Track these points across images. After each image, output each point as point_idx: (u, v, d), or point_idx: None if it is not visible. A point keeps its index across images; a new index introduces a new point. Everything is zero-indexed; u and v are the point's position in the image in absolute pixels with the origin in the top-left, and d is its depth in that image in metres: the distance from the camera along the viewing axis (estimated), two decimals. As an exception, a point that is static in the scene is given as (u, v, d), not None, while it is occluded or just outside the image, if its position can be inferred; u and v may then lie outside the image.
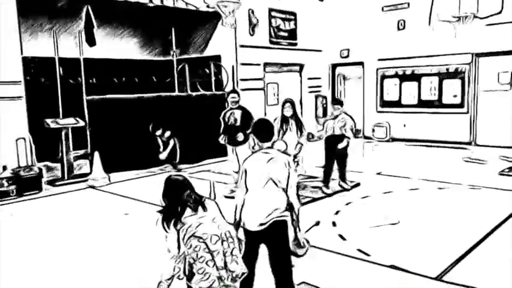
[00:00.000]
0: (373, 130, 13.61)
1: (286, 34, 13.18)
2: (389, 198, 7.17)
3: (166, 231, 2.88)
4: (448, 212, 6.33)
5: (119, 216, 6.63)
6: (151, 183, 8.73)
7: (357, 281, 4.26)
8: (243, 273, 2.78)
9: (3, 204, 7.39)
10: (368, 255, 4.79)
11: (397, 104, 13.29)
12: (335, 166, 7.63)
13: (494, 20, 11.22)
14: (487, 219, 5.80)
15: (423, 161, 10.34)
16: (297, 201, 3.42)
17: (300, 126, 6.93)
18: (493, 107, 11.60)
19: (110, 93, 9.78)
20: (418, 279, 4.20)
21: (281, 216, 3.30)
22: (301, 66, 13.98)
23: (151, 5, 10.06)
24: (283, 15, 13.04)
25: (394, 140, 13.24)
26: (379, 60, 13.46)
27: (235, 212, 3.44)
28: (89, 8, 9.00)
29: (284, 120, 6.89)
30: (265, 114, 12.12)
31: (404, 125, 13.11)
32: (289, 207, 3.39)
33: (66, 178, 8.80)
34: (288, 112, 6.87)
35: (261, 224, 3.25)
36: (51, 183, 8.64)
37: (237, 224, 3.35)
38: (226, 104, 7.83)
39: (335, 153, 7.51)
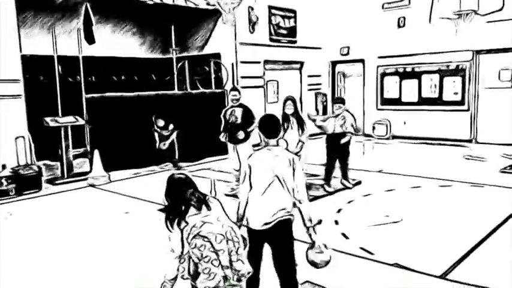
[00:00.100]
0: (374, 128, 13.58)
1: (286, 32, 13.13)
2: (392, 196, 7.14)
3: (170, 231, 2.83)
4: (450, 210, 6.31)
5: (119, 215, 6.59)
6: (151, 181, 8.71)
7: (361, 279, 4.23)
8: (248, 273, 2.74)
9: (3, 203, 7.34)
10: (371, 253, 4.76)
11: (398, 101, 13.26)
12: (337, 164, 7.61)
13: (495, 17, 11.19)
14: (490, 217, 5.77)
15: (424, 158, 10.30)
16: (308, 206, 3.32)
17: (301, 124, 6.88)
18: (494, 105, 11.58)
19: (109, 92, 9.74)
20: (422, 278, 4.17)
21: (286, 216, 3.25)
22: (301, 63, 13.93)
23: (150, 2, 10.00)
24: (283, 13, 12.99)
25: (394, 137, 13.21)
26: (380, 57, 13.43)
27: (237, 209, 3.39)
28: (88, 5, 8.95)
29: (285, 118, 6.84)
30: (265, 112, 12.07)
31: (405, 123, 13.08)
32: (300, 213, 3.33)
33: (65, 177, 8.76)
34: (289, 110, 6.83)
35: (266, 224, 3.21)
36: (50, 182, 8.60)
37: (239, 221, 3.30)
38: (227, 101, 7.80)
39: (336, 151, 7.49)
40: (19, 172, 7.87)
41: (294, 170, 3.27)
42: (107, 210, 6.97)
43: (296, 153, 6.82)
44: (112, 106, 9.36)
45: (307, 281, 4.03)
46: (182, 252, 2.79)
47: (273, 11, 12.73)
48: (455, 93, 12.21)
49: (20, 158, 8.32)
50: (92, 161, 8.76)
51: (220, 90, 11.30)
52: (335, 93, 14.63)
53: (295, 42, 13.44)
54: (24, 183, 7.86)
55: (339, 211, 6.35)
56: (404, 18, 12.81)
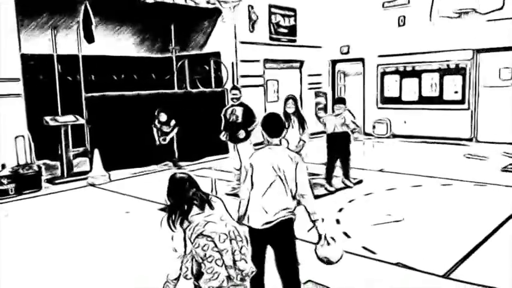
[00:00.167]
0: (374, 127, 13.56)
1: (286, 30, 13.11)
2: (393, 195, 7.12)
3: (173, 231, 2.81)
4: (452, 208, 6.29)
5: (119, 214, 6.57)
6: (151, 181, 8.69)
7: (363, 278, 4.21)
8: (252, 272, 2.71)
9: (3, 203, 7.31)
10: (374, 252, 4.74)
11: (398, 100, 13.24)
12: (337, 163, 7.59)
13: (495, 15, 11.17)
14: (492, 216, 5.76)
15: (425, 157, 10.29)
16: (312, 200, 3.28)
17: (302, 123, 6.86)
18: (494, 103, 11.56)
19: (108, 91, 9.72)
20: (425, 277, 4.15)
21: (287, 217, 3.22)
22: (301, 62, 13.90)
23: (150, 1, 9.96)
24: (283, 12, 12.96)
25: (394, 136, 13.19)
26: (380, 56, 13.41)
27: (238, 209, 3.37)
28: (87, 4, 8.91)
29: (286, 116, 6.81)
30: (265, 111, 12.03)
31: (405, 122, 13.06)
32: (305, 209, 3.30)
33: (65, 176, 8.73)
34: (291, 109, 6.80)
35: (267, 223, 3.18)
36: (50, 181, 8.57)
37: (239, 221, 3.27)
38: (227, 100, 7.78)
39: (337, 151, 7.48)
40: (19, 171, 7.83)
41: (296, 168, 3.23)
42: (107, 209, 6.94)
43: (297, 152, 6.81)
44: (112, 105, 9.34)
45: (309, 281, 4.01)
46: (185, 252, 2.76)
47: (273, 9, 12.70)
48: (456, 92, 12.19)
49: (19, 158, 8.28)
50: (91, 160, 8.73)
51: (220, 89, 11.27)
52: (335, 92, 14.61)
53: (295, 41, 13.41)
54: (24, 182, 7.84)
55: (340, 210, 6.33)
56: (404, 17, 12.79)
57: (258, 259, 3.15)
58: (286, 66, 13.44)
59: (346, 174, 7.55)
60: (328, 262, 3.35)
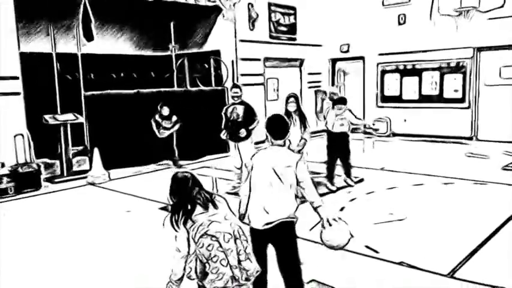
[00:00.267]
0: (374, 125, 13.50)
1: (286, 29, 13.06)
2: (394, 193, 7.09)
3: (176, 230, 2.77)
4: (454, 207, 6.26)
5: (119, 213, 6.53)
6: (152, 180, 8.65)
7: (367, 278, 4.18)
8: (257, 272, 2.68)
9: (2, 202, 7.27)
10: (377, 252, 4.71)
11: (398, 99, 13.21)
12: (338, 162, 7.56)
13: (496, 13, 11.14)
14: (494, 215, 5.73)
15: (425, 156, 10.26)
16: (313, 193, 3.23)
17: (303, 121, 6.82)
18: (495, 102, 11.54)
19: (108, 89, 9.67)
20: (429, 277, 4.12)
21: (288, 218, 3.19)
22: (301, 61, 13.87)
23: (150, -1, 9.91)
24: (283, 10, 12.92)
25: (394, 135, 13.17)
26: (380, 55, 13.37)
27: (239, 208, 3.36)
28: (87, 2, 8.86)
29: (288, 115, 6.77)
30: (265, 109, 12.02)
31: (405, 120, 13.03)
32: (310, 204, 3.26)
33: (65, 175, 8.69)
34: (292, 107, 6.76)
35: (267, 224, 3.15)
36: (50, 180, 8.53)
37: (240, 220, 3.24)
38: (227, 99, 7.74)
39: (337, 150, 7.45)
40: (18, 170, 7.79)
41: (296, 169, 3.20)
42: (106, 208, 6.90)
43: (298, 151, 6.78)
44: (111, 104, 9.29)
45: (313, 280, 3.98)
46: (189, 252, 2.72)
47: (273, 7, 12.65)
48: (456, 91, 12.16)
49: (18, 156, 8.23)
50: (91, 159, 8.69)
51: (220, 88, 11.23)
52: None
53: (295, 39, 13.37)
54: (23, 181, 7.80)
55: (342, 209, 6.29)
56: (404, 15, 12.75)
57: (259, 258, 3.11)
58: (286, 65, 13.40)
59: (347, 173, 7.52)
60: (332, 247, 3.26)
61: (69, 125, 8.79)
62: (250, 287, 2.73)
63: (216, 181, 7.10)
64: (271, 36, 12.66)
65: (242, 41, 11.77)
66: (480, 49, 11.67)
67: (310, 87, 14.10)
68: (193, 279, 2.70)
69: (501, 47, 11.24)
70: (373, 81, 13.67)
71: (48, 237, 5.60)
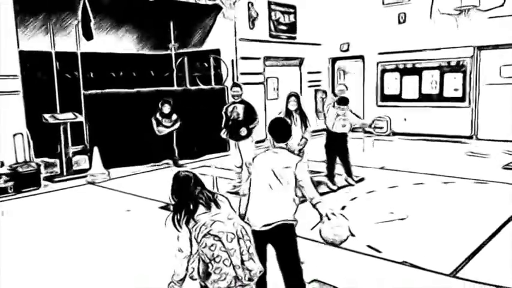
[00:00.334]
0: (376, 124, 13.49)
1: (286, 27, 13.03)
2: (395, 193, 7.07)
3: (178, 230, 2.74)
4: (456, 207, 6.24)
5: (119, 212, 6.51)
6: (151, 179, 8.63)
7: (369, 277, 4.16)
8: (260, 272, 2.66)
9: (1, 201, 7.24)
10: (379, 251, 4.69)
11: (398, 98, 13.19)
12: (338, 161, 7.54)
13: (497, 12, 11.12)
14: (496, 214, 5.71)
15: (426, 155, 10.25)
16: (312, 190, 3.24)
17: (304, 120, 6.79)
18: (495, 101, 11.52)
19: (107, 88, 9.64)
20: (432, 276, 4.10)
21: (287, 220, 3.18)
22: (301, 60, 13.84)
23: (149, -3, 9.88)
24: (282, 9, 12.89)
25: (394, 134, 13.15)
26: (380, 53, 13.34)
27: (239, 207, 3.35)
28: (86, 1, 8.82)
29: (288, 114, 6.75)
30: (265, 108, 12.00)
31: (405, 119, 13.01)
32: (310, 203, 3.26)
33: (65, 174, 8.66)
34: (293, 106, 6.72)
35: (266, 225, 3.14)
36: (49, 179, 8.50)
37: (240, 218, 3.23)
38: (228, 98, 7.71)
39: (335, 150, 7.43)
40: (17, 169, 7.76)
41: (296, 171, 3.20)
42: (106, 208, 6.88)
43: (299, 150, 6.76)
44: (111, 102, 9.26)
45: (315, 280, 3.97)
46: (191, 252, 2.70)
47: (273, 6, 12.62)
48: (456, 90, 12.15)
49: (18, 155, 8.20)
50: (91, 158, 8.66)
51: (220, 87, 11.20)
52: (335, 90, 14.51)
53: (295, 38, 13.34)
54: (23, 180, 7.77)
55: (343, 208, 6.27)
56: (404, 14, 12.73)
57: (259, 258, 3.09)
58: (286, 64, 13.37)
59: (348, 172, 7.50)
60: (331, 242, 3.27)
61: (68, 124, 8.75)
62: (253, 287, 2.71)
63: (216, 180, 7.07)
64: (271, 35, 12.63)
65: (242, 39, 11.74)
66: (480, 48, 11.65)
67: (310, 86, 14.07)
68: (196, 279, 2.67)
69: (501, 45, 11.22)
70: (373, 81, 13.64)
71: (48, 236, 5.57)
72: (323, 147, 7.59)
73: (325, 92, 14.35)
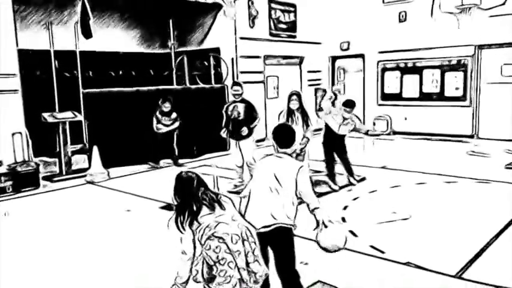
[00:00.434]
0: (374, 123, 13.46)
1: (286, 26, 12.97)
2: (397, 192, 7.03)
3: (181, 232, 2.69)
4: (459, 206, 6.20)
5: (118, 212, 6.45)
6: (151, 178, 8.57)
7: (373, 278, 4.11)
8: (265, 274, 2.60)
9: (0, 201, 7.17)
10: (382, 252, 4.64)
11: (398, 97, 13.14)
12: (337, 160, 7.49)
13: (498, 11, 11.07)
14: (499, 214, 5.67)
15: (427, 154, 10.21)
16: (313, 197, 3.24)
17: (306, 119, 6.74)
18: (496, 100, 11.48)
19: (106, 87, 9.59)
20: (437, 277, 4.05)
21: (286, 224, 3.16)
22: (301, 58, 13.78)
23: (149, -5, 9.83)
24: (283, 7, 12.83)
25: (395, 133, 13.11)
26: (380, 52, 13.29)
27: (239, 207, 3.31)
28: (85, -1, 8.77)
29: (290, 113, 6.70)
30: (265, 107, 11.94)
31: (406, 118, 12.97)
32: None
33: (64, 174, 8.59)
34: (294, 105, 6.68)
35: (264, 227, 3.12)
36: (48, 179, 8.43)
37: None
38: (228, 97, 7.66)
39: (333, 149, 7.37)
40: (16, 169, 7.70)
41: (297, 177, 3.20)
42: (106, 207, 6.82)
43: (301, 149, 6.71)
44: (110, 101, 9.21)
45: (318, 281, 3.92)
46: (194, 254, 2.64)
47: (273, 5, 12.56)
48: (457, 89, 12.10)
49: (17, 155, 8.14)
50: (90, 157, 8.60)
51: (220, 86, 11.14)
52: (332, 88, 14.48)
53: (295, 37, 13.28)
54: (22, 180, 7.70)
55: (345, 208, 6.23)
56: (405, 12, 12.67)
57: None
58: (286, 63, 13.31)
59: (349, 172, 7.44)
60: (327, 249, 3.26)
61: (67, 123, 8.68)
62: (257, 290, 2.65)
63: (217, 180, 7.01)
64: (271, 34, 12.56)
65: (242, 38, 11.67)
66: (481, 47, 11.61)
67: (310, 85, 14.02)
68: (200, 282, 2.62)
69: (502, 44, 11.18)
70: (374, 79, 13.59)
71: (47, 236, 5.51)
72: (321, 144, 7.52)
73: (325, 90, 14.27)
